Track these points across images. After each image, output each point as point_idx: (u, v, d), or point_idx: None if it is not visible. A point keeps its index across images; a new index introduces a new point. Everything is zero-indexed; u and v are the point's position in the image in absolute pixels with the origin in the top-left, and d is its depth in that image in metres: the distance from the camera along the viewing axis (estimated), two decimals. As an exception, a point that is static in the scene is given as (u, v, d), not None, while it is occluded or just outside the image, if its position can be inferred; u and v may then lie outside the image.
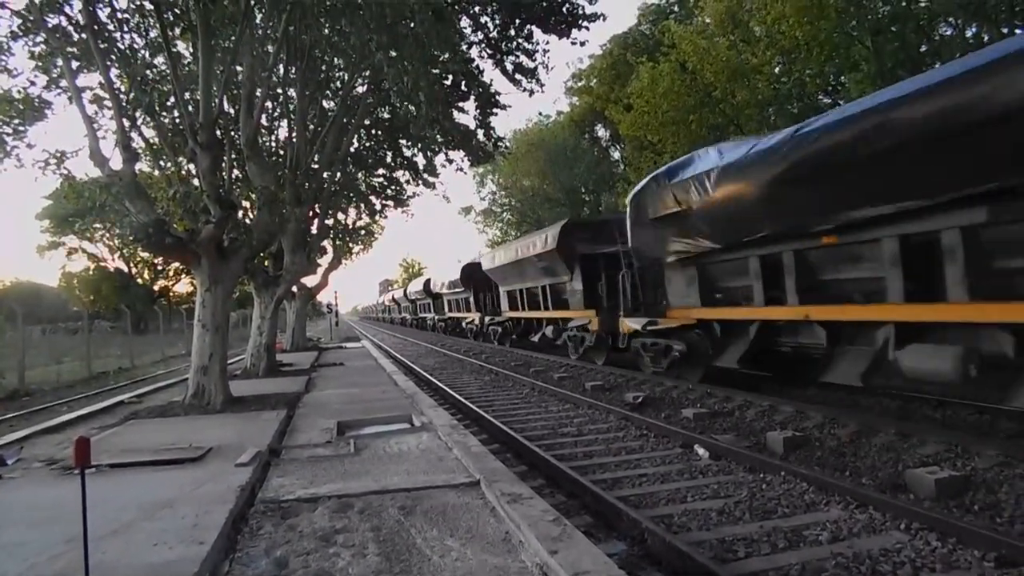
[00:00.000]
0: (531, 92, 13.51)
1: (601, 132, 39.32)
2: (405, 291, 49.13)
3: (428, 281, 36.60)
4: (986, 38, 14.84)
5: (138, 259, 47.67)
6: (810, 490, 5.18)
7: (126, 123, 8.35)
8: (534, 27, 12.68)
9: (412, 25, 8.25)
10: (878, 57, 15.21)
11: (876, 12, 17.05)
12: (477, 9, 12.50)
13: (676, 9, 30.39)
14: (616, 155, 38.29)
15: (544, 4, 12.04)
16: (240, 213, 10.41)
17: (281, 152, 14.63)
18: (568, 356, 15.91)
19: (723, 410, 8.63)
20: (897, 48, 14.94)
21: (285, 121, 14.09)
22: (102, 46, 8.26)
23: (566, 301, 16.09)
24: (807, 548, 4.13)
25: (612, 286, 13.23)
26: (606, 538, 4.50)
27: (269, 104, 13.39)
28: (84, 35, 8.33)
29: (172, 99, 9.49)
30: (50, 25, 8.60)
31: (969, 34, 15.38)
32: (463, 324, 28.99)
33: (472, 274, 25.36)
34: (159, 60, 10.20)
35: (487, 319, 24.16)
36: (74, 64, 8.87)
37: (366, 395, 9.58)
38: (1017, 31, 13.93)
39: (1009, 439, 6.08)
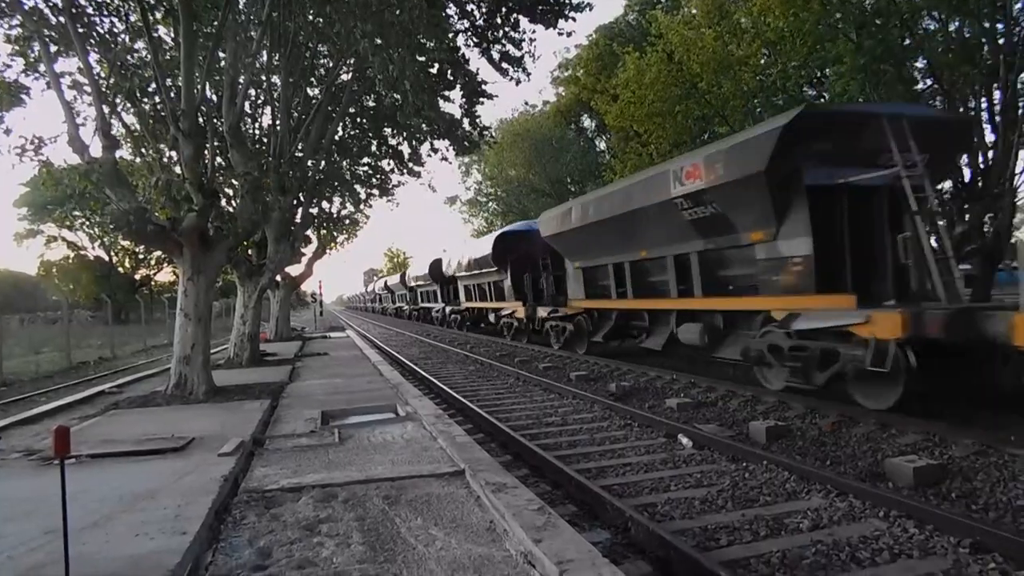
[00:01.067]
0: (517, 81, 13.54)
1: (587, 123, 39.25)
2: (402, 276, 42.07)
3: (437, 261, 28.70)
4: (967, 33, 14.96)
5: (119, 248, 46.93)
6: (791, 479, 5.25)
7: (106, 109, 8.20)
8: (521, 16, 12.67)
9: (398, 13, 8.16)
10: (859, 50, 15.30)
11: (861, 5, 17.14)
12: (463, -3, 12.44)
13: (663, -1, 30.34)
14: (602, 146, 38.27)
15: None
16: (223, 201, 10.29)
17: (265, 140, 14.46)
18: (765, 385, 8.62)
19: (706, 400, 8.72)
20: (878, 42, 15.04)
21: (269, 108, 13.92)
22: (81, 30, 8.10)
23: (749, 279, 9.01)
24: (788, 536, 4.20)
25: (914, 246, 7.27)
26: (590, 527, 4.54)
27: (252, 91, 13.23)
28: (62, 18, 8.15)
29: (153, 85, 9.34)
30: (26, 8, 8.40)
31: (952, 28, 15.51)
32: (492, 318, 21.66)
33: (510, 248, 19.10)
34: (140, 45, 10.02)
35: (540, 312, 16.79)
36: (52, 48, 8.67)
37: (351, 385, 9.55)
38: (999, 26, 14.04)
39: (985, 429, 6.20)
